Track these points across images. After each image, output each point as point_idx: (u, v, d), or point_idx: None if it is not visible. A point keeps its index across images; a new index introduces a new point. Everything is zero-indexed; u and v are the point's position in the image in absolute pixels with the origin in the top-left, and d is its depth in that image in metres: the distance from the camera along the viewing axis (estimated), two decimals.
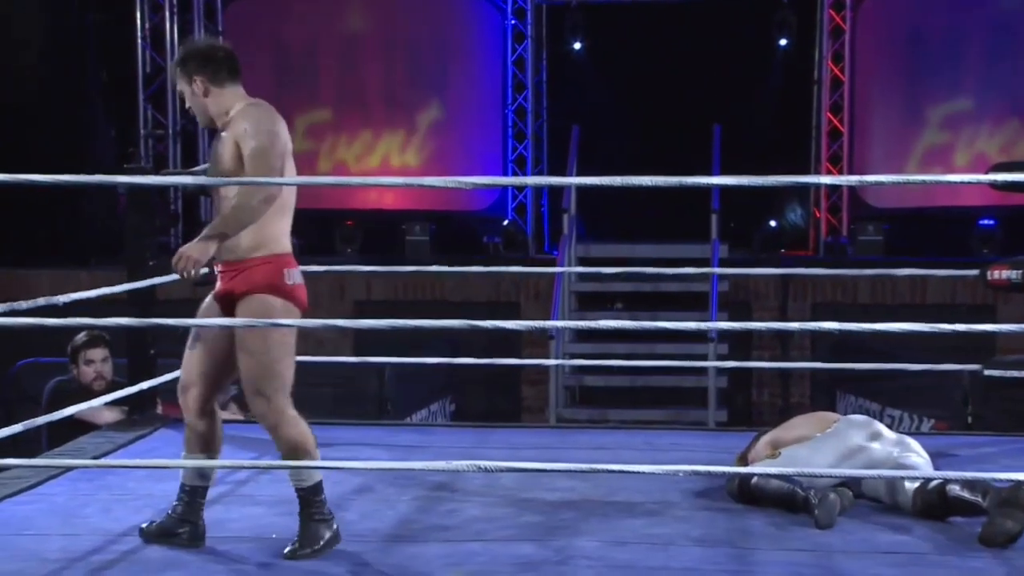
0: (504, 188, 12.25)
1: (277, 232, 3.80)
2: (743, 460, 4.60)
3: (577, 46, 12.28)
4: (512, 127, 12.35)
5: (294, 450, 3.80)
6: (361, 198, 12.41)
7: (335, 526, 3.84)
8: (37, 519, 3.98)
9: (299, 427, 3.81)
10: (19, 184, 3.72)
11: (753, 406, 10.59)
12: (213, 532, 3.98)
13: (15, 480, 4.51)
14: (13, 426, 4.98)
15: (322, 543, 3.79)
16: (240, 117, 3.76)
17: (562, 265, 9.65)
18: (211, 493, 4.46)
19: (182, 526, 3.89)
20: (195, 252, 3.63)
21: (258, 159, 3.69)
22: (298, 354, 3.93)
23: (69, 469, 4.71)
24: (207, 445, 3.95)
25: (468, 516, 4.23)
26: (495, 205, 12.32)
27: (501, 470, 3.48)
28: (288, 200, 3.83)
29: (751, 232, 11.53)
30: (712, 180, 3.82)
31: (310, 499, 3.82)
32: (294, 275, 3.84)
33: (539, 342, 9.86)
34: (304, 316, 3.94)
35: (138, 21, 12.33)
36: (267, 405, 3.76)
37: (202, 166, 5.35)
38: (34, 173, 3.79)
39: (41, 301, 4.20)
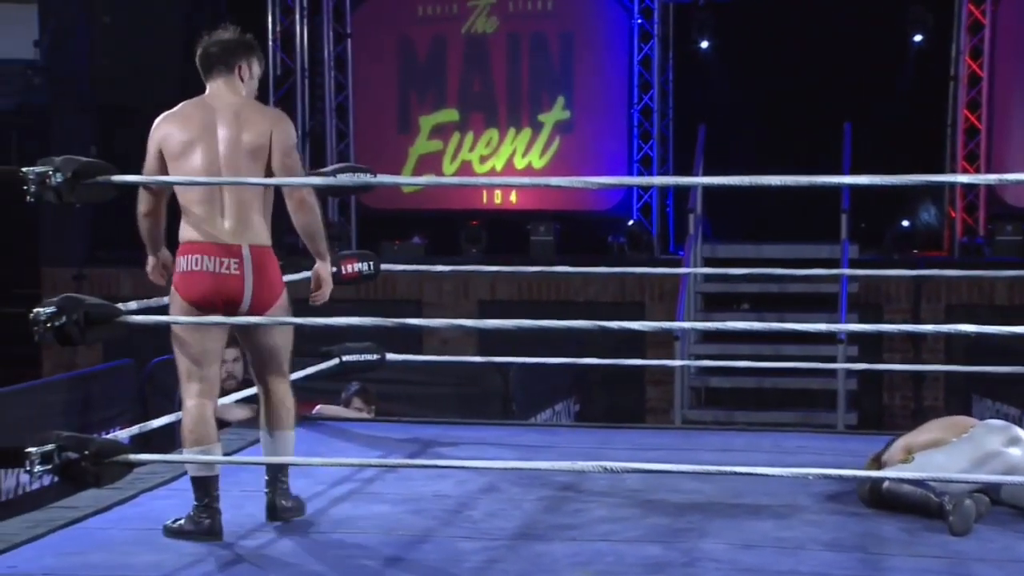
0: (629, 188, 12.20)
1: (187, 224, 4.01)
2: (877, 463, 4.52)
3: (704, 45, 12.17)
4: (638, 127, 12.29)
5: (184, 431, 4.04)
6: (486, 198, 12.49)
7: (206, 524, 3.95)
8: (173, 513, 4.08)
9: (191, 416, 4.01)
10: (158, 184, 3.82)
11: (884, 409, 10.39)
12: (342, 528, 4.04)
13: (151, 475, 4.65)
14: (148, 422, 5.14)
15: (183, 532, 3.95)
16: None
17: (688, 266, 9.59)
18: (339, 490, 4.55)
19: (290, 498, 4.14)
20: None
21: None
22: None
23: None
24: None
25: (594, 516, 4.23)
26: (620, 205, 12.29)
27: (626, 471, 3.48)
28: (193, 195, 3.97)
29: (883, 232, 11.31)
30: (843, 179, 3.77)
31: (194, 491, 4.00)
32: (186, 262, 4.00)
33: (664, 343, 9.81)
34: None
35: (269, 24, 12.57)
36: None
37: (333, 167, 5.44)
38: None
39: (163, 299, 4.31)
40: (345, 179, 5.18)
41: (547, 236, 11.56)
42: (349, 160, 12.12)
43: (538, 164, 12.40)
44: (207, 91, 4.09)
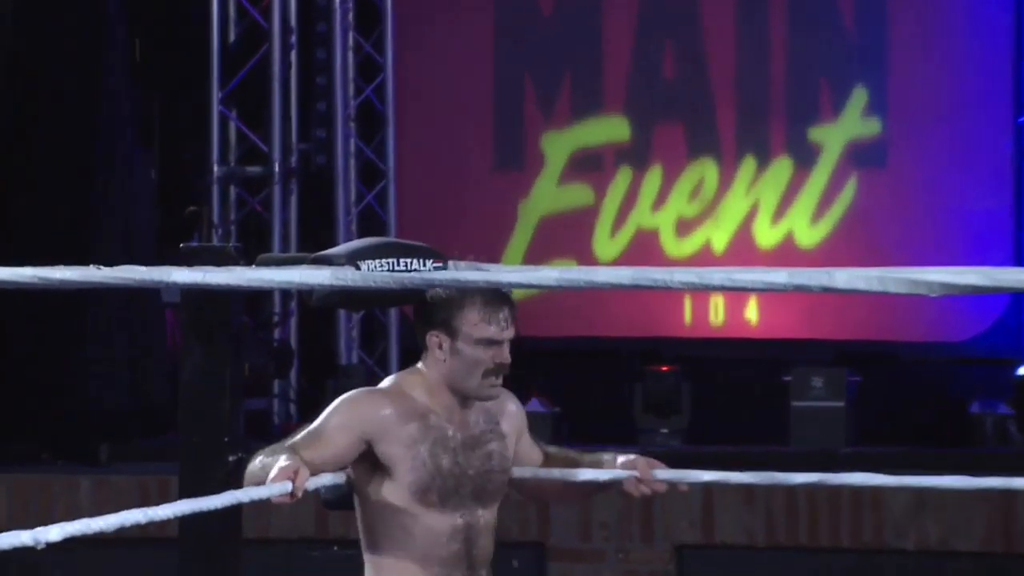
0: (1019, 296, 12.15)
1: None
2: None
3: None
4: None
5: None
6: (691, 313, 12.52)
7: None
8: None
9: None
10: None
11: None
12: None
13: None
14: None
15: None
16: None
17: None
18: None
19: None
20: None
21: None
22: None
23: None
24: None
25: None
26: (996, 331, 12.25)
27: None
28: None
29: None
30: None
31: None
32: None
33: None
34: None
35: None
36: None
37: (351, 245, 5.46)
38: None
39: None
40: (380, 275, 5.15)
41: (830, 400, 11.53)
42: (388, 230, 12.25)
43: (808, 238, 12.45)
44: None
